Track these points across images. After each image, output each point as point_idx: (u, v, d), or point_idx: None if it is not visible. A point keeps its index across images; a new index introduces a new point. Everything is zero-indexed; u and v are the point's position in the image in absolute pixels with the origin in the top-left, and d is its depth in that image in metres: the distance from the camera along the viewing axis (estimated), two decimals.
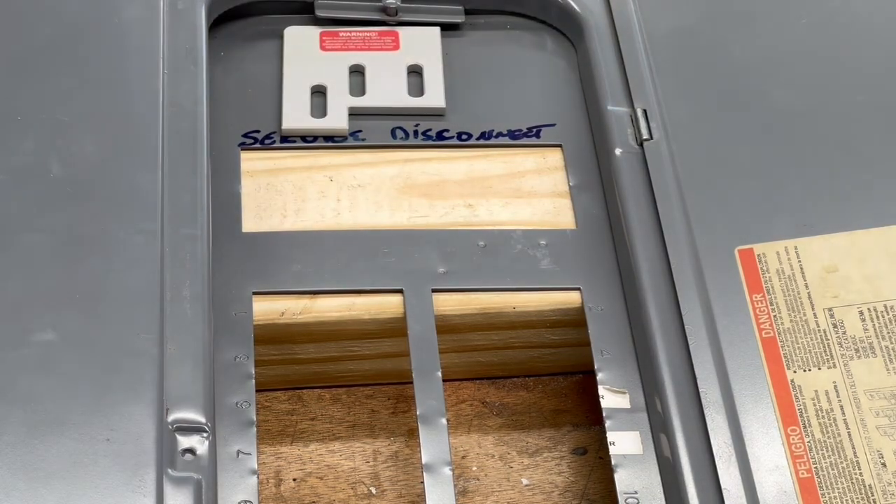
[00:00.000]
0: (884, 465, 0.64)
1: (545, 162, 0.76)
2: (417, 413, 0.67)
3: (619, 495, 0.65)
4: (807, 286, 0.69)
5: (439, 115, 0.77)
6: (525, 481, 0.71)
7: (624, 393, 0.68)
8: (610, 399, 0.68)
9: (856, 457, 0.64)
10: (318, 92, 0.77)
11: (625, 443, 0.66)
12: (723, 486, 0.63)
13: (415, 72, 0.79)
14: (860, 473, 0.64)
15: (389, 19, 0.80)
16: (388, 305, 0.70)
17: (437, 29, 0.81)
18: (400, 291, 0.70)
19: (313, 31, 0.80)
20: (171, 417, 0.61)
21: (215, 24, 0.78)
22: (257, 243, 0.71)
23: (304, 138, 0.76)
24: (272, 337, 0.69)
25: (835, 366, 0.67)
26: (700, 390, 0.66)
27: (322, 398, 0.73)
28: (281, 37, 0.79)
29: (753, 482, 0.63)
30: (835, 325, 0.68)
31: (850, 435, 0.65)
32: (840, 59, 0.79)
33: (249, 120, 0.76)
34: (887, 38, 0.80)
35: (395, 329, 0.70)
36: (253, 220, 0.72)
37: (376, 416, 0.72)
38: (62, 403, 0.60)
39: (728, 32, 0.80)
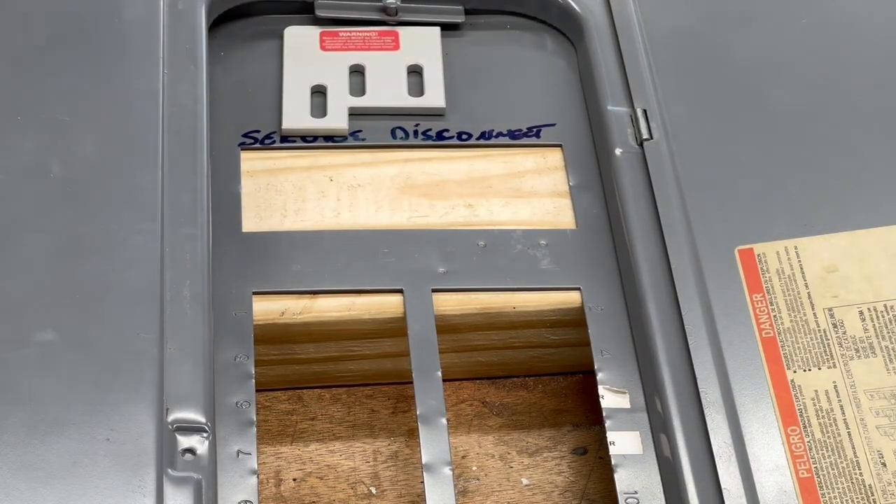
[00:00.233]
0: (884, 465, 0.64)
1: (545, 162, 0.76)
2: (417, 413, 0.67)
3: (619, 495, 0.65)
4: (807, 286, 0.69)
5: (439, 115, 0.77)
6: (525, 481, 0.71)
7: (624, 393, 0.68)
8: (610, 399, 0.68)
9: (856, 457, 0.64)
10: (318, 92, 0.77)
11: (625, 443, 0.66)
12: (723, 486, 0.63)
13: (415, 72, 0.79)
14: (860, 473, 0.64)
15: (389, 19, 0.80)
16: (388, 305, 0.70)
17: (437, 29, 0.81)
18: (400, 291, 0.70)
19: (313, 31, 0.80)
20: (171, 417, 0.61)
21: (215, 24, 0.78)
22: (257, 243, 0.71)
23: (304, 138, 0.76)
24: (272, 337, 0.69)
25: (835, 366, 0.67)
26: (700, 390, 0.66)
27: (322, 398, 0.73)
28: (281, 37, 0.79)
29: (753, 482, 0.63)
30: (835, 325, 0.68)
31: (850, 435, 0.65)
32: (840, 59, 0.79)
33: (249, 120, 0.76)
34: (887, 38, 0.80)
35: (395, 329, 0.70)
36: (253, 220, 0.72)
37: (376, 416, 0.72)
38: (62, 403, 0.60)
39: (728, 32, 0.80)
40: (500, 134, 0.77)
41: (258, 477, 0.64)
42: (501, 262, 0.72)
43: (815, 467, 0.64)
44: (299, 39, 0.79)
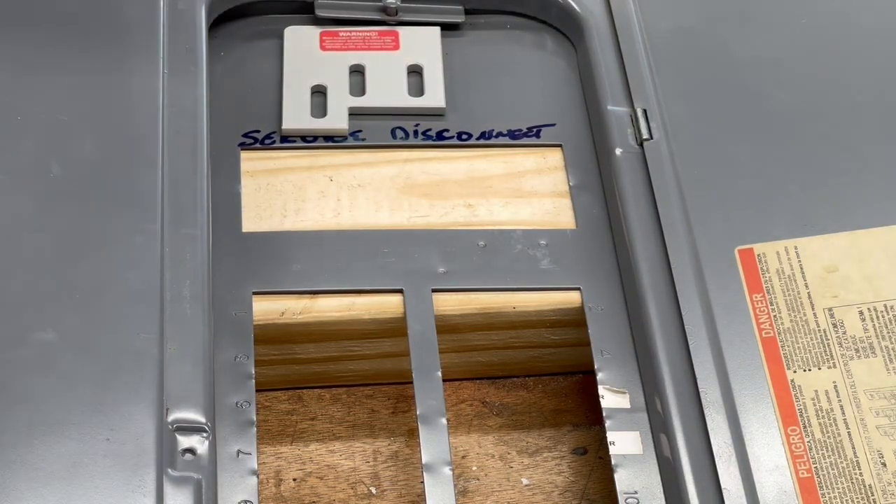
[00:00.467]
0: (884, 465, 0.64)
1: (545, 162, 0.76)
2: (417, 413, 0.67)
3: (619, 495, 0.65)
4: (807, 286, 0.69)
5: (439, 115, 0.77)
6: (525, 481, 0.71)
7: (624, 393, 0.68)
8: (610, 399, 0.68)
9: (856, 457, 0.64)
10: (318, 92, 0.77)
11: (625, 443, 0.66)
12: (723, 486, 0.63)
13: (415, 72, 0.79)
14: (860, 473, 0.64)
15: (389, 19, 0.80)
16: (388, 305, 0.70)
17: (437, 29, 0.81)
18: (400, 291, 0.70)
19: (313, 31, 0.80)
20: (171, 417, 0.61)
21: (215, 24, 0.78)
22: (257, 243, 0.71)
23: (304, 138, 0.76)
24: (272, 337, 0.69)
25: (835, 366, 0.67)
26: (700, 390, 0.66)
27: (322, 398, 0.73)
28: (281, 37, 0.79)
29: (753, 482, 0.63)
30: (835, 325, 0.68)
31: (850, 435, 0.65)
32: (840, 59, 0.79)
33: (249, 120, 0.76)
34: (887, 38, 0.80)
35: (395, 329, 0.70)
36: (253, 220, 0.72)
37: (376, 415, 0.72)
38: (62, 403, 0.60)
39: (728, 32, 0.80)
40: (500, 134, 0.77)
41: (258, 477, 0.64)
42: (501, 262, 0.72)
43: (815, 467, 0.64)
44: (299, 39, 0.79)
